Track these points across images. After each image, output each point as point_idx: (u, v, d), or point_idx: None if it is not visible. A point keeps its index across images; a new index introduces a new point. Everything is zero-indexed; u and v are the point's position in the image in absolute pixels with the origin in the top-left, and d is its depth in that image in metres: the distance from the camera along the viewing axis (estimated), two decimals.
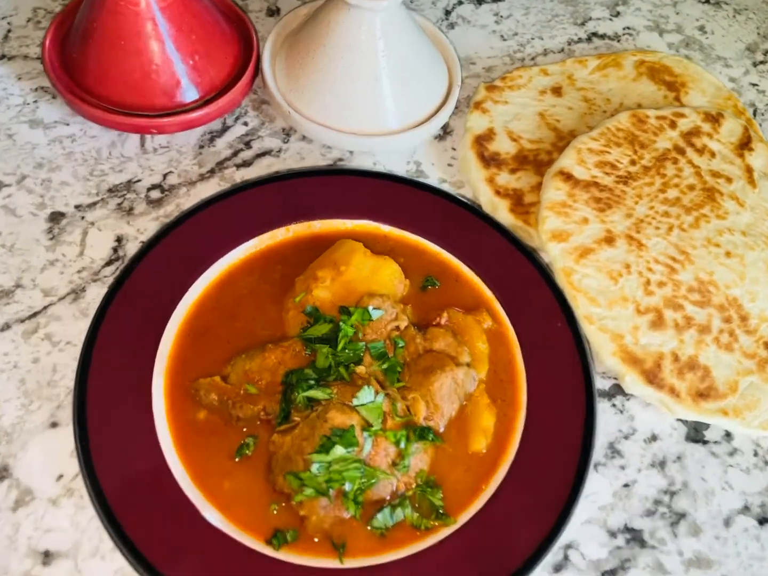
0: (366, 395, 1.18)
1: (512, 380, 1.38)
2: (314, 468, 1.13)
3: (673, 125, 1.75)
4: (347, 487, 1.15)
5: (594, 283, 1.54)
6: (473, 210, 1.55)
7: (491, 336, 1.43)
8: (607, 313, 1.51)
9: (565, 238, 1.58)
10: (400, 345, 1.33)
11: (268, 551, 1.17)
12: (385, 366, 1.31)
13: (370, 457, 1.19)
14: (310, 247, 1.49)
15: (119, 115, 1.65)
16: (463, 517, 1.23)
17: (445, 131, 1.86)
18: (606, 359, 1.48)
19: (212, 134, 1.79)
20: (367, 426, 1.18)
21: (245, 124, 1.82)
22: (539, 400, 1.35)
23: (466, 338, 1.38)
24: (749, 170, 1.75)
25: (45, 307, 1.49)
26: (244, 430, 1.28)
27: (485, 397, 1.34)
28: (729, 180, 1.72)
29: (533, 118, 1.84)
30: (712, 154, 1.76)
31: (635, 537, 1.35)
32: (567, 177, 1.66)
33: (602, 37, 2.14)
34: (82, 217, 1.63)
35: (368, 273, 1.38)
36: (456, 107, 1.87)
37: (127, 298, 1.36)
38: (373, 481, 1.17)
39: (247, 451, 1.26)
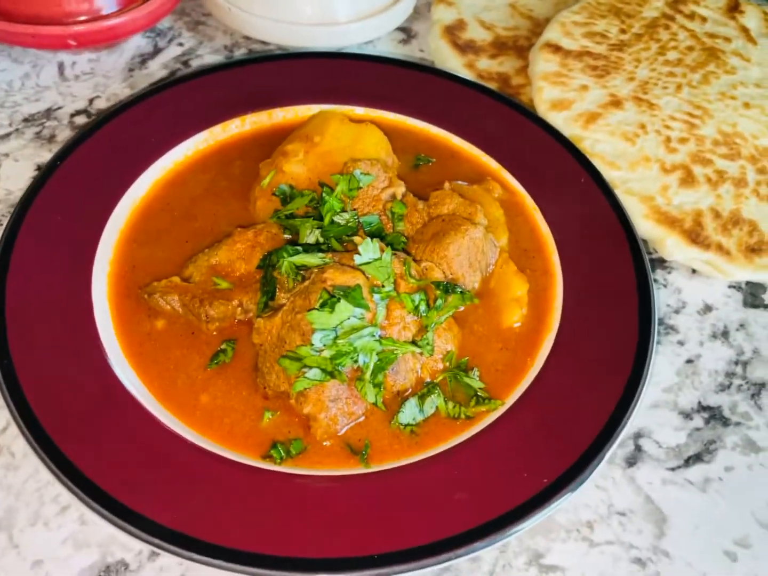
0: (369, 251, 0.92)
1: (539, 248, 1.14)
2: (316, 339, 0.85)
3: None
4: (361, 360, 0.87)
5: (609, 148, 1.33)
6: (456, 78, 1.33)
7: (504, 206, 1.19)
8: (631, 175, 1.30)
9: (566, 106, 1.37)
10: (399, 214, 1.07)
11: (262, 465, 0.87)
12: (388, 239, 1.05)
13: (383, 327, 0.91)
14: (272, 141, 1.24)
15: (30, 25, 1.39)
16: (511, 399, 0.96)
17: (409, 36, 1.66)
18: (639, 223, 1.25)
19: (143, 57, 1.55)
20: (378, 288, 0.91)
21: (180, 45, 1.58)
22: (575, 265, 1.11)
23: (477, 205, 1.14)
24: (745, 30, 1.60)
25: None
26: (215, 334, 1.00)
27: (512, 265, 1.09)
28: (727, 39, 1.56)
29: (504, 9, 1.66)
30: (703, 19, 1.60)
31: (714, 415, 1.10)
32: (556, 48, 1.46)
33: None
34: None
35: (349, 142, 1.14)
36: (417, 13, 1.68)
37: (51, 201, 1.08)
38: (394, 355, 0.90)
39: (224, 358, 0.97)
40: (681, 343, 1.19)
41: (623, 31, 1.54)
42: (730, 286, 1.27)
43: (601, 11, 1.57)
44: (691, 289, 1.26)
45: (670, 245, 1.24)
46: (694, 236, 1.24)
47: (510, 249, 1.14)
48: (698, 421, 1.09)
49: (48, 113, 1.42)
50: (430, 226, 1.06)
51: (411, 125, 1.29)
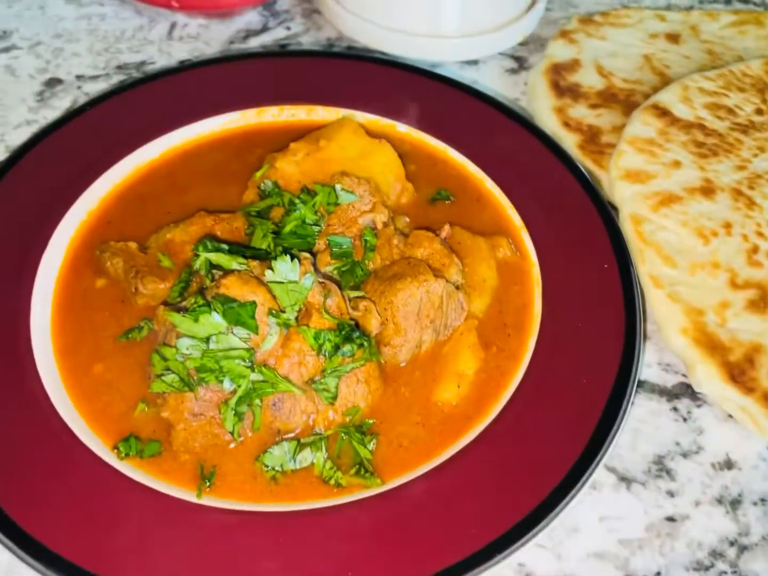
0: (285, 269, 0.83)
1: (521, 328, 0.97)
2: (182, 344, 0.78)
3: None
4: (226, 385, 0.79)
5: (673, 239, 1.11)
6: (520, 119, 1.18)
7: (506, 269, 1.03)
8: (686, 278, 1.07)
9: (643, 179, 1.17)
10: (370, 244, 0.96)
11: (107, 457, 0.82)
12: (344, 268, 0.95)
13: (275, 356, 0.82)
14: (303, 137, 1.18)
15: None
16: (391, 484, 0.82)
17: (521, 66, 1.52)
18: (672, 338, 1.03)
19: (248, 33, 1.57)
20: (276, 312, 0.82)
21: (288, 28, 1.58)
22: (549, 362, 0.92)
23: (467, 260, 1.00)
24: None
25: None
26: (142, 310, 0.96)
27: (472, 336, 0.94)
28: None
29: (635, 59, 1.46)
30: None
31: None
32: (663, 112, 1.25)
33: (746, 1, 1.73)
34: (79, 87, 1.44)
35: (355, 154, 1.05)
36: (541, 45, 1.54)
37: (62, 141, 1.12)
38: (269, 390, 0.80)
39: (136, 335, 0.94)
40: (671, 494, 0.95)
41: (760, 112, 1.28)
42: None
43: (743, 84, 1.32)
44: (718, 436, 1.01)
45: (700, 374, 1.00)
46: (738, 373, 0.99)
47: (487, 318, 0.98)
48: None
49: (140, 66, 1.49)
50: (395, 265, 0.95)
51: (450, 157, 1.17)
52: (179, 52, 1.51)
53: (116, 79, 1.46)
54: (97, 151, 1.11)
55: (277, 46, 1.53)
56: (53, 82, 1.45)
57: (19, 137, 1.33)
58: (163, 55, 1.51)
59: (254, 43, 1.54)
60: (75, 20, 1.59)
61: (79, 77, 1.46)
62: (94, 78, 1.46)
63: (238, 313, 0.78)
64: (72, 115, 1.15)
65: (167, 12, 1.58)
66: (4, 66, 1.48)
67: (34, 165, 1.08)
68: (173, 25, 1.57)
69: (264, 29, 1.58)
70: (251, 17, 1.60)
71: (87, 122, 1.14)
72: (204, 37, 1.55)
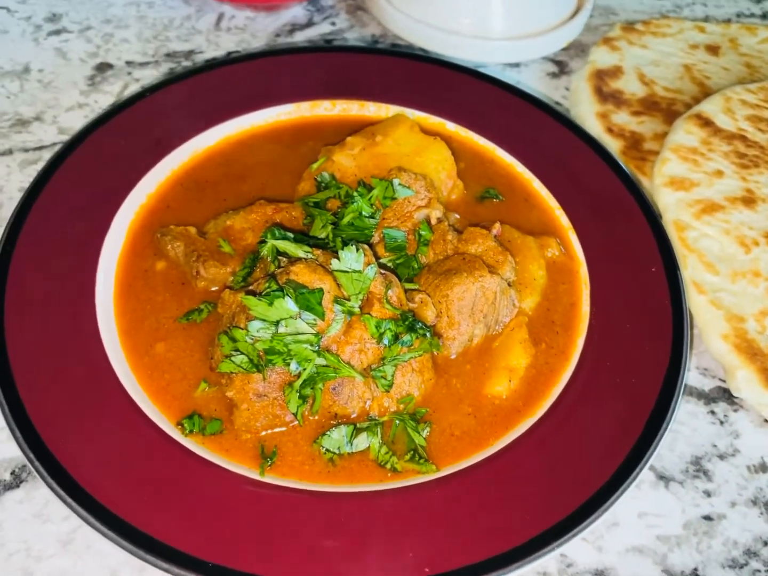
0: (350, 259, 0.85)
1: (569, 326, 1.00)
2: (253, 327, 0.81)
3: None
4: (293, 368, 0.81)
5: (715, 247, 1.13)
6: (567, 122, 1.21)
7: (554, 268, 1.06)
8: (728, 285, 1.10)
9: (687, 186, 1.19)
10: (424, 239, 0.99)
11: (174, 434, 0.85)
12: (399, 261, 0.98)
13: (337, 342, 0.85)
14: (354, 132, 1.21)
15: None
16: (444, 471, 0.85)
17: (562, 70, 1.54)
18: (713, 343, 1.06)
19: (294, 26, 1.59)
20: (342, 299, 0.85)
21: (333, 24, 1.61)
22: (597, 360, 0.95)
23: (517, 258, 1.02)
24: None
25: (54, 144, 1.31)
26: (202, 292, 0.99)
27: (523, 332, 0.96)
28: None
29: (676, 68, 1.49)
30: None
31: None
32: (705, 122, 1.28)
33: None
34: (129, 73, 1.46)
35: (410, 150, 1.07)
36: (582, 51, 1.56)
37: (122, 125, 1.14)
38: (333, 373, 0.83)
39: (196, 317, 0.97)
40: (708, 493, 0.98)
41: None
42: None
43: None
44: (754, 440, 1.04)
45: (740, 379, 1.03)
46: None
47: (535, 315, 1.01)
48: None
49: (188, 54, 1.51)
50: (449, 260, 0.97)
51: (498, 156, 1.19)
52: (227, 43, 1.54)
53: (165, 66, 1.48)
54: (155, 137, 1.14)
55: (323, 41, 1.56)
56: (104, 67, 1.47)
57: (70, 120, 1.35)
58: (211, 45, 1.53)
59: (299, 37, 1.57)
60: (124, 6, 1.61)
61: (129, 63, 1.48)
62: (144, 65, 1.48)
63: (308, 299, 0.80)
64: (131, 101, 1.17)
65: (215, 3, 1.61)
66: (54, 49, 1.50)
67: (95, 149, 1.11)
68: (221, 16, 1.60)
69: (309, 24, 1.60)
70: (297, 11, 1.63)
71: (145, 108, 1.17)
72: (251, 29, 1.57)
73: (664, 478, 0.99)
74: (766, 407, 1.03)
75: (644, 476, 0.98)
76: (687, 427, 1.04)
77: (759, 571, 0.92)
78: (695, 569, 0.91)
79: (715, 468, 1.00)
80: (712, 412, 1.06)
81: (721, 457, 1.02)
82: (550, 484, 0.84)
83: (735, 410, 1.06)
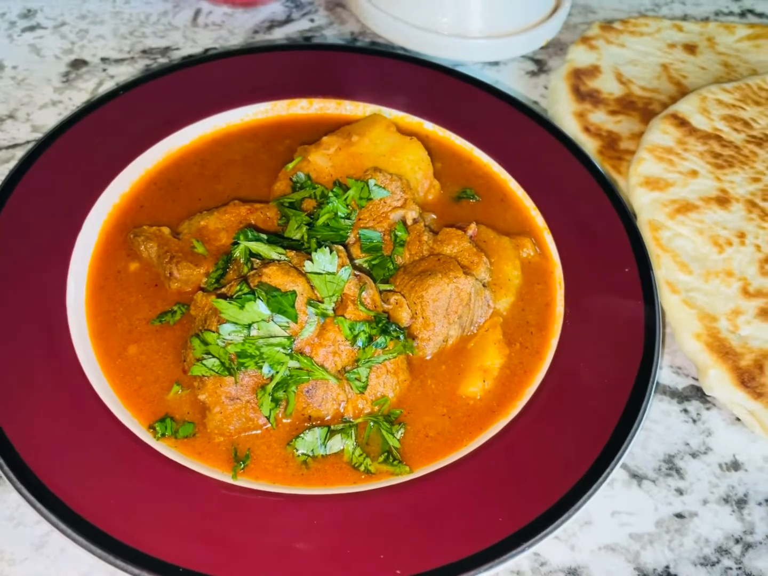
0: (324, 261, 0.85)
1: (543, 326, 1.00)
2: (224, 330, 0.81)
3: None
4: (266, 371, 0.81)
5: (688, 246, 1.14)
6: (544, 122, 1.21)
7: (529, 268, 1.06)
8: (701, 284, 1.11)
9: (661, 186, 1.20)
10: (400, 240, 0.99)
11: (146, 437, 0.84)
12: (375, 262, 0.97)
13: (311, 344, 0.85)
14: (331, 131, 1.20)
15: None
16: (420, 472, 0.85)
17: (541, 69, 1.54)
18: (685, 342, 1.07)
19: (272, 23, 1.58)
20: (315, 301, 0.85)
21: (311, 20, 1.60)
22: (571, 360, 0.96)
23: (492, 259, 1.03)
24: None
25: (27, 142, 1.30)
26: (176, 294, 0.98)
27: (498, 332, 0.97)
28: None
29: (654, 68, 1.49)
30: None
31: None
32: (681, 122, 1.29)
33: (760, 15, 1.77)
34: (104, 70, 1.45)
35: (386, 150, 1.07)
36: (561, 50, 1.57)
37: (96, 124, 1.13)
38: (305, 377, 0.83)
39: (169, 319, 0.96)
40: (680, 491, 0.99)
41: None
42: None
43: (759, 97, 1.36)
44: (725, 438, 1.05)
45: (712, 378, 1.04)
46: (747, 378, 1.03)
47: (510, 316, 1.01)
48: None
49: (165, 51, 1.50)
50: (424, 261, 0.97)
51: (476, 156, 1.19)
52: (204, 40, 1.52)
53: (141, 63, 1.47)
54: (129, 135, 1.13)
55: (301, 38, 1.55)
56: (78, 64, 1.45)
57: (44, 117, 1.34)
58: (188, 42, 1.52)
59: (278, 34, 1.56)
60: (99, 2, 1.59)
61: (104, 59, 1.47)
62: (119, 61, 1.47)
63: (280, 302, 0.80)
64: (105, 99, 1.16)
65: None
66: (29, 45, 1.48)
67: (68, 148, 1.09)
68: (198, 12, 1.58)
69: (288, 20, 1.59)
70: (275, 8, 1.62)
71: (119, 106, 1.16)
72: (228, 26, 1.56)
73: (636, 476, 0.99)
74: (738, 406, 1.04)
75: (617, 475, 0.99)
76: (660, 425, 1.05)
77: (730, 568, 0.93)
78: (667, 567, 0.92)
79: (687, 466, 1.01)
80: (685, 411, 1.07)
81: (694, 455, 1.03)
82: (523, 483, 0.85)
83: (708, 408, 1.08)
